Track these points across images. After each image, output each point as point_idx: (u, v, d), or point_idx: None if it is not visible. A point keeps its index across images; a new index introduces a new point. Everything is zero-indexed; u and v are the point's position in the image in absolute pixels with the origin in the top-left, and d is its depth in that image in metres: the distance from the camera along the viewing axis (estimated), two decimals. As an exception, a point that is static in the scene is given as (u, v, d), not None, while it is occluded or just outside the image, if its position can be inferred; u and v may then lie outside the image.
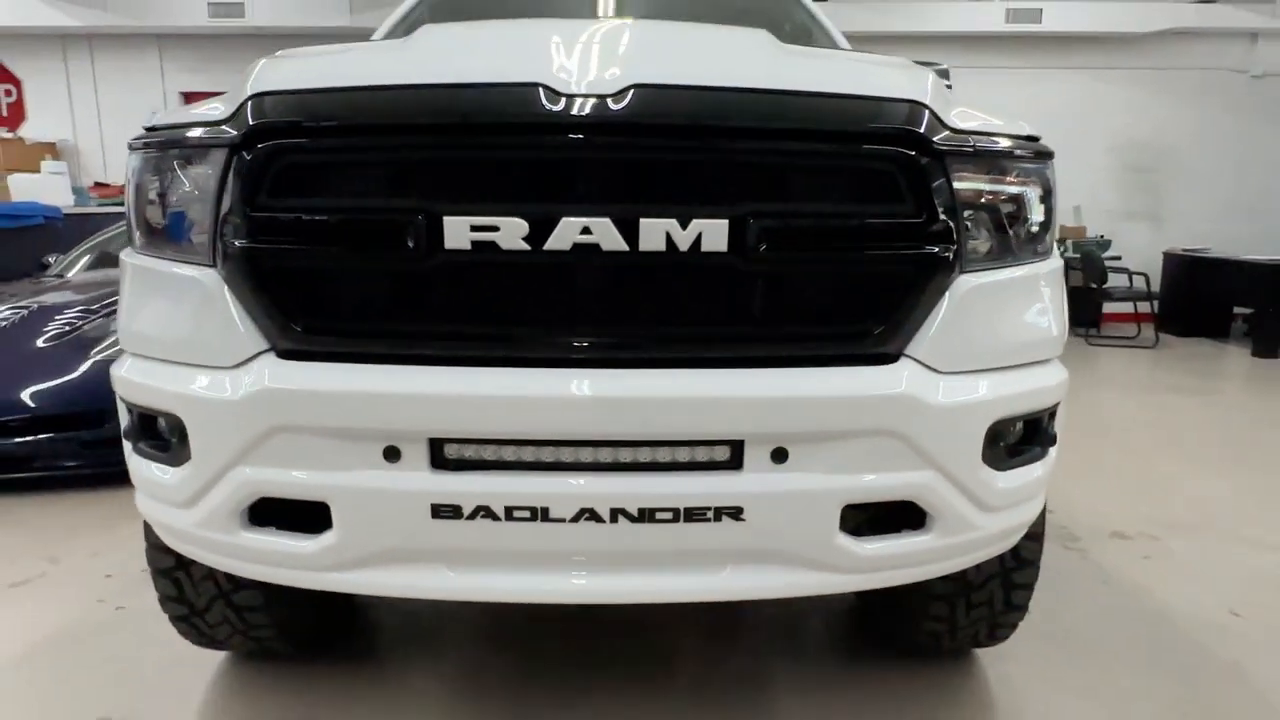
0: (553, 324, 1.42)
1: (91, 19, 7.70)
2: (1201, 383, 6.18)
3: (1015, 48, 8.65)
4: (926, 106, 1.46)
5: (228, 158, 1.42)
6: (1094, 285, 7.79)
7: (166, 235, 1.56)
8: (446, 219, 1.35)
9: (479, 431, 1.41)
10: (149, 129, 1.62)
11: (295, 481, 1.44)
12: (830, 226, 1.43)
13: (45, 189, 7.20)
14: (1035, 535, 1.98)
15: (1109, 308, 8.08)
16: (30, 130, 8.42)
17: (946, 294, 1.49)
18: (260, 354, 1.45)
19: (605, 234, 1.34)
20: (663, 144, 1.40)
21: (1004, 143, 1.56)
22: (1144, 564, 2.98)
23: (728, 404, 1.40)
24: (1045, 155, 1.64)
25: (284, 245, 1.41)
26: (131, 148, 1.62)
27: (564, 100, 1.36)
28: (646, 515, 1.42)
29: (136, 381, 1.58)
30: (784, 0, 3.14)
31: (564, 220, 1.34)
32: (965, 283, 1.50)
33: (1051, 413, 1.69)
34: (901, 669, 2.25)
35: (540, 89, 1.36)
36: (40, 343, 3.84)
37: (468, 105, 1.39)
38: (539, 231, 1.34)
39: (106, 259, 5.32)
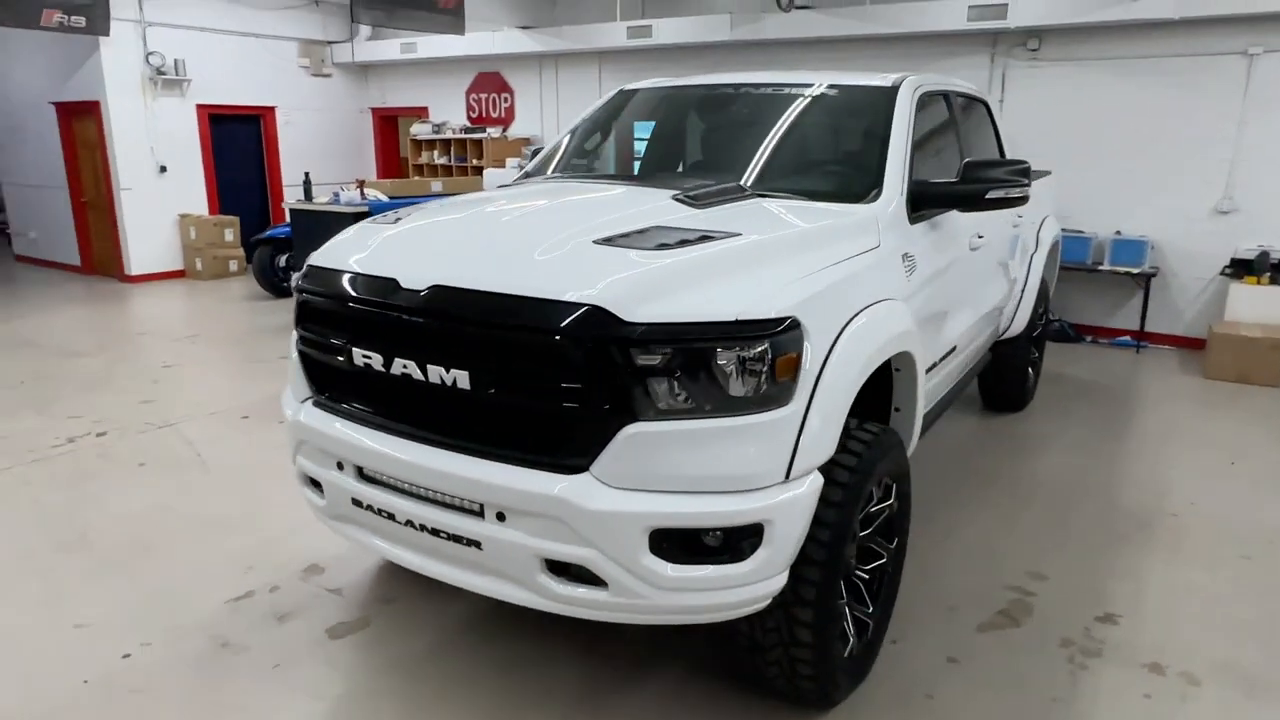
0: (399, 414, 2.46)
1: (556, 44, 10.09)
2: None
3: None
4: (601, 308, 2.09)
5: (296, 298, 2.73)
6: None
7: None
8: (354, 349, 2.47)
9: (368, 466, 2.52)
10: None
11: (308, 469, 2.73)
12: (529, 383, 2.20)
13: (507, 179, 9.79)
14: (811, 625, 2.40)
15: None
16: (515, 129, 11.30)
17: (617, 435, 2.13)
18: (307, 399, 2.76)
19: (414, 370, 2.33)
20: (438, 322, 2.29)
21: (684, 329, 2.09)
22: (1138, 702, 2.82)
23: (470, 482, 2.27)
24: (747, 338, 2.10)
25: (305, 349, 2.69)
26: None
27: (402, 291, 2.36)
28: (437, 532, 2.40)
29: (283, 402, 3.01)
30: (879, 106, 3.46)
31: (396, 359, 2.36)
32: (633, 429, 2.12)
33: (742, 531, 2.16)
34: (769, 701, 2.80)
35: (394, 281, 2.38)
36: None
37: (362, 287, 2.47)
38: (387, 363, 2.38)
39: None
